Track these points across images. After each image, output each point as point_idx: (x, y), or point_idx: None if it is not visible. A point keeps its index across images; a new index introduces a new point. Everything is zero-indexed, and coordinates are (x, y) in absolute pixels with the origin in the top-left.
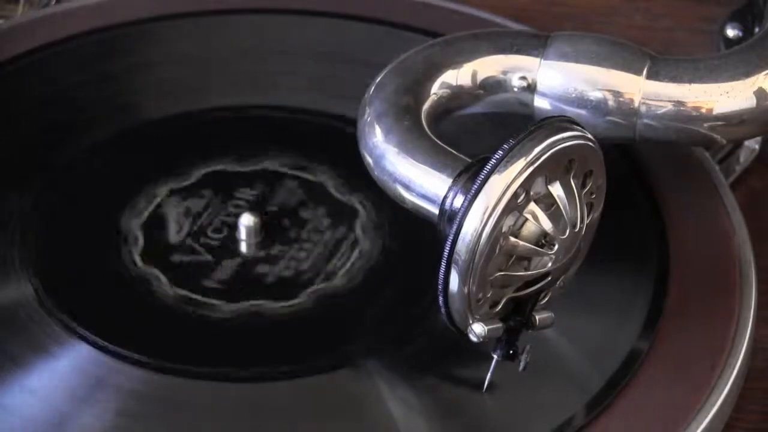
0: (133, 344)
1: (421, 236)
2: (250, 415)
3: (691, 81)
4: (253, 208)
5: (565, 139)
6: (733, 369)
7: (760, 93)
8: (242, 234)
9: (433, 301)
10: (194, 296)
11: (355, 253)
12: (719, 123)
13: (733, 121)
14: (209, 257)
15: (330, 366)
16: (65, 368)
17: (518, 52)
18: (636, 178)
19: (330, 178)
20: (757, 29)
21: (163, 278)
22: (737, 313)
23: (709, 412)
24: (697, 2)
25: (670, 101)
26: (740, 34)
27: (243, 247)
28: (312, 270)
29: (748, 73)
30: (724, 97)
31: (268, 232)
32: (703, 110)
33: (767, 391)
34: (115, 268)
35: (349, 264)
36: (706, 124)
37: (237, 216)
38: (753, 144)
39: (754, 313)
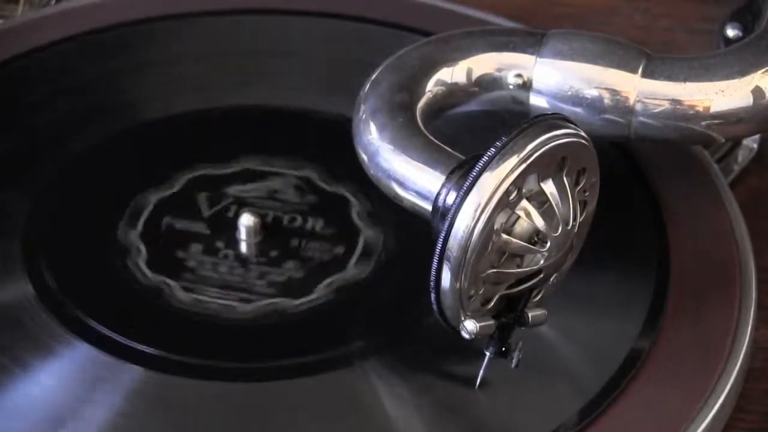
0: (134, 343)
1: (420, 235)
2: (248, 415)
3: (686, 79)
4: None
5: (557, 136)
6: (733, 369)
7: (756, 91)
8: (242, 234)
9: (428, 300)
10: (141, 235)
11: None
12: (715, 121)
13: (730, 119)
14: (200, 214)
15: (328, 366)
16: (65, 368)
17: (514, 49)
18: (636, 177)
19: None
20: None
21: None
22: (737, 313)
23: (709, 412)
24: (697, 2)
25: (665, 99)
26: (740, 34)
27: (243, 247)
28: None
29: (743, 72)
30: (720, 95)
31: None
32: (699, 108)
33: (767, 391)
34: (115, 267)
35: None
36: (702, 123)
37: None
38: (751, 143)
39: (754, 313)
